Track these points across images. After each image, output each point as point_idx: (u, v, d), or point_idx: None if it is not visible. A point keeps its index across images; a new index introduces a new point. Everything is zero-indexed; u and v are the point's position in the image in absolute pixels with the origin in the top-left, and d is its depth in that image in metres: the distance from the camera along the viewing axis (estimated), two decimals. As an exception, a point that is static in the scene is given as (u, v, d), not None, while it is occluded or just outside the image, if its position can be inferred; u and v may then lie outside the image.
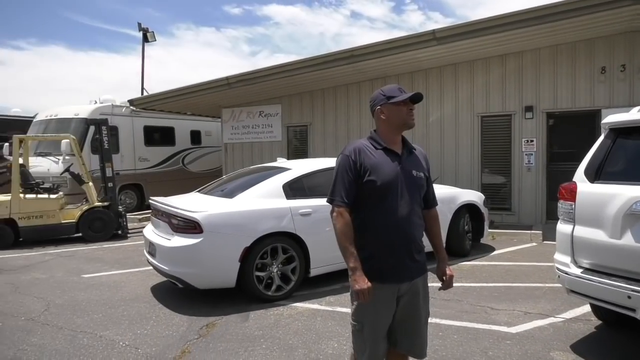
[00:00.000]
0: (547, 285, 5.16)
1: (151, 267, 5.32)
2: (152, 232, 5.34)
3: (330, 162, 5.90)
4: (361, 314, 2.27)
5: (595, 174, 3.47)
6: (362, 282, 2.14)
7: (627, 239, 3.12)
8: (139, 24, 18.25)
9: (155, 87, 66.16)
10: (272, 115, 11.64)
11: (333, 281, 5.34)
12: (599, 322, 4.04)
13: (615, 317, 3.82)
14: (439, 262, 2.44)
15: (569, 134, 8.88)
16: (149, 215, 6.30)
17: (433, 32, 8.26)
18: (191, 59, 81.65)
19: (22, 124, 13.14)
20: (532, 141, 8.97)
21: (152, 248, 5.11)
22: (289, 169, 5.63)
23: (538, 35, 8.31)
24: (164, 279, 5.25)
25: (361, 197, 2.26)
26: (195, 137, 14.57)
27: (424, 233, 2.41)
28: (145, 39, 18.23)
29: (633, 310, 3.01)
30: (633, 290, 2.99)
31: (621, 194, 3.19)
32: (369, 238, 2.25)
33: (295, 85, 10.69)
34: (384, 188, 2.22)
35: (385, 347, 2.33)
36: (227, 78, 10.26)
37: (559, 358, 3.42)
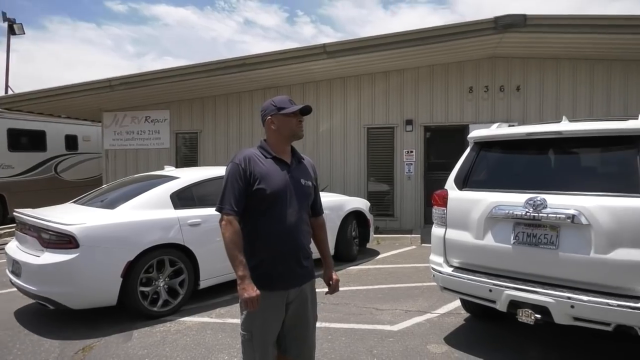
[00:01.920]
0: (424, 284, 5.61)
1: (15, 289, 4.73)
2: (16, 249, 4.75)
3: (220, 171, 5.79)
4: (250, 323, 2.27)
5: (463, 182, 3.88)
6: (251, 290, 2.15)
7: (488, 239, 3.54)
8: (4, 14, 16.18)
9: (22, 85, 59.04)
10: (159, 121, 11.10)
11: (224, 292, 5.24)
12: (468, 314, 4.50)
13: (481, 310, 4.28)
14: (325, 268, 2.53)
15: (443, 145, 9.81)
16: (13, 229, 5.61)
17: (324, 45, 8.59)
18: (67, 56, 74.53)
19: None
20: (411, 152, 9.73)
21: (16, 267, 4.55)
22: (176, 178, 5.42)
23: (417, 56, 9.08)
24: (31, 301, 4.70)
25: (250, 206, 2.27)
26: (71, 142, 13.30)
27: (312, 240, 2.49)
28: (12, 32, 16.26)
29: (494, 302, 3.42)
30: (493, 285, 3.39)
31: (483, 199, 3.61)
32: (258, 246, 2.27)
33: (186, 90, 10.34)
34: (273, 196, 2.26)
35: (274, 354, 2.35)
36: (109, 80, 9.56)
37: (435, 350, 3.74)
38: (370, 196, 9.65)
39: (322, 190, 6.23)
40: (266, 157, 2.33)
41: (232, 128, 10.82)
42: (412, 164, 9.72)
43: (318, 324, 2.50)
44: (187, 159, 11.11)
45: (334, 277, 2.51)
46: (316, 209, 2.55)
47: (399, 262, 6.95)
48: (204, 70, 9.17)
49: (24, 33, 16.39)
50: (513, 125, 4.19)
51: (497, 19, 7.74)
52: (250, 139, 10.51)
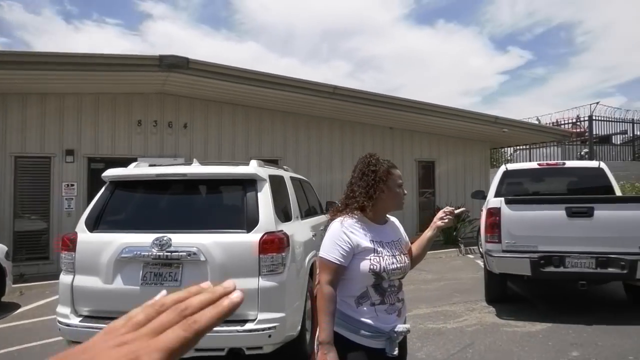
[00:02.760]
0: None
1: None
2: None
3: None
4: None
5: (95, 224, 3.69)
6: None
7: (117, 283, 3.44)
8: None
9: None
10: None
11: None
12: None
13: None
14: None
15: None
16: None
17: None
18: None
19: None
20: (72, 185, 8.82)
21: None
22: None
23: (78, 81, 8.39)
24: None
25: None
26: None
27: None
28: None
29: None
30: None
31: (113, 241, 3.50)
32: None
33: None
34: None
35: None
36: None
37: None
38: (19, 237, 8.17)
39: None
40: None
41: None
42: (72, 198, 8.80)
43: None
44: None
45: None
46: None
47: (46, 314, 6.04)
48: None
49: None
50: (156, 165, 4.30)
51: (161, 58, 7.98)
52: None
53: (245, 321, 3.37)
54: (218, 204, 3.81)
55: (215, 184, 3.74)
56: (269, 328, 3.36)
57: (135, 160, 9.10)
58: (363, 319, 1.90)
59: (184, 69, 8.18)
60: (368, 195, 2.00)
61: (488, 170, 13.24)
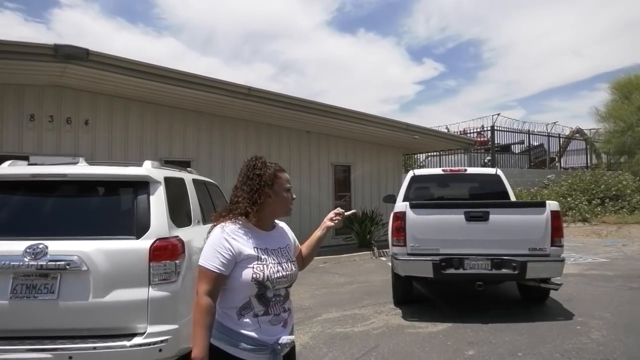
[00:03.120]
0: None
1: None
2: None
3: None
4: None
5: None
6: None
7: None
8: None
9: None
10: None
11: None
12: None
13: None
14: None
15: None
16: None
17: None
18: None
19: None
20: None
21: None
22: None
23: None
24: None
25: None
26: None
27: None
28: None
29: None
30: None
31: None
32: None
33: None
34: None
35: None
36: None
37: None
38: None
39: None
40: None
41: None
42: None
43: None
44: None
45: None
46: None
47: None
48: None
49: None
50: (37, 164, 3.85)
51: (57, 47, 7.27)
52: None
53: (133, 335, 3.10)
54: (104, 207, 3.47)
55: (101, 186, 3.41)
56: (161, 342, 3.12)
57: (27, 158, 8.25)
58: (245, 332, 1.81)
59: (84, 60, 7.52)
60: (252, 201, 1.91)
61: (401, 175, 13.76)
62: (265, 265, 1.85)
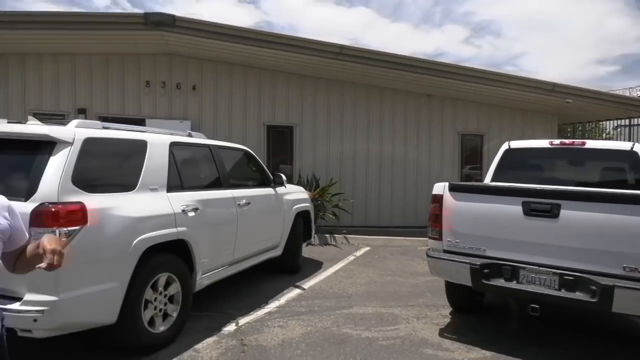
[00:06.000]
0: None
1: None
2: None
3: None
4: None
5: None
6: None
7: None
8: None
9: None
10: None
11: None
12: None
13: None
14: None
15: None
16: None
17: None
18: None
19: None
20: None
21: None
22: None
23: (86, 41, 8.49)
24: None
25: None
26: None
27: None
28: None
29: None
30: None
31: None
32: None
33: None
34: None
35: None
36: None
37: None
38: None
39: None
40: None
41: None
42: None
43: None
44: None
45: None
46: None
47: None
48: None
49: None
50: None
51: (146, 15, 7.68)
52: None
53: (14, 299, 2.94)
54: (9, 167, 3.31)
55: (10, 145, 3.26)
56: (36, 311, 2.89)
57: (143, 121, 9.15)
58: None
59: (171, 26, 7.81)
60: None
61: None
62: None
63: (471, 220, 4.12)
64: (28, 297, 2.92)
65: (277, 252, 5.79)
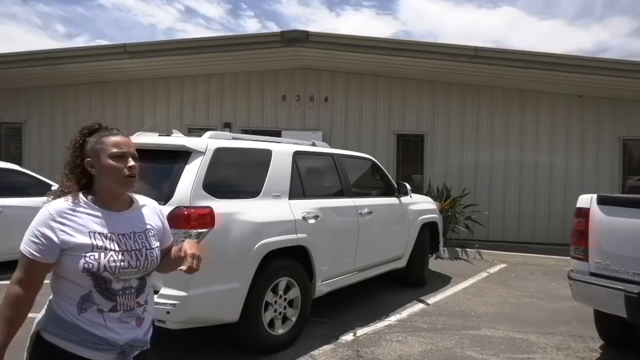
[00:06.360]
0: None
1: None
2: None
3: None
4: None
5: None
6: None
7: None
8: None
9: None
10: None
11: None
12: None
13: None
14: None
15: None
16: None
17: (124, 45, 8.72)
18: (-15, 32, 69.44)
19: None
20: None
21: None
22: None
23: (232, 62, 9.42)
24: None
25: None
26: None
27: None
28: None
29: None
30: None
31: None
32: None
33: (8, 79, 10.06)
34: None
35: None
36: None
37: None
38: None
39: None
40: None
41: (58, 121, 10.66)
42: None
43: None
44: (12, 148, 10.85)
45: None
46: None
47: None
48: (6, 61, 9.02)
49: None
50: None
51: (282, 33, 8.21)
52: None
53: (156, 291, 3.32)
54: (150, 175, 3.72)
55: (151, 156, 3.66)
56: (169, 304, 3.22)
57: (280, 133, 9.77)
58: (87, 328, 1.54)
59: (305, 42, 8.20)
60: (72, 176, 1.63)
61: None
62: (102, 254, 1.54)
63: (627, 238, 3.49)
64: (163, 291, 3.26)
65: (401, 264, 5.62)
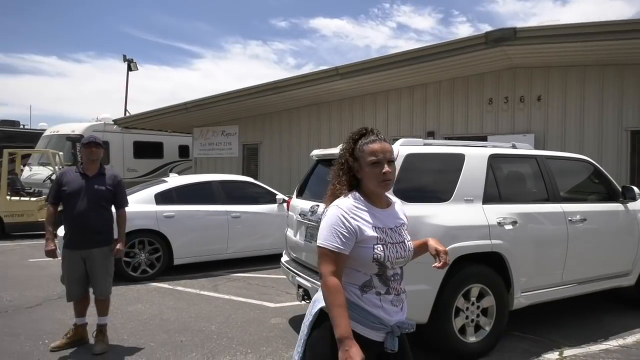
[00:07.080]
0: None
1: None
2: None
3: (200, 178, 7.55)
4: (63, 270, 3.91)
5: (299, 192, 4.86)
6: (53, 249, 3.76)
7: (300, 237, 4.48)
8: (124, 56, 20.15)
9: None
10: (231, 134, 13.43)
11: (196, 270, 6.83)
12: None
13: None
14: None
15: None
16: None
17: (336, 69, 9.70)
18: (238, 70, 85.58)
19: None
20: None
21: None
22: (165, 182, 7.29)
23: (435, 71, 9.51)
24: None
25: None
26: (184, 151, 16.58)
27: None
28: (129, 69, 20.22)
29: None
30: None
31: (297, 206, 4.58)
32: (66, 223, 3.88)
33: (246, 108, 12.38)
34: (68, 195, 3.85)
35: (79, 290, 3.92)
36: (185, 103, 12.16)
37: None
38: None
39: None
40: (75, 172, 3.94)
41: (285, 140, 12.49)
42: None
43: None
44: (252, 165, 13.20)
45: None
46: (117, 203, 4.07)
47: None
48: (246, 94, 11.06)
49: (138, 69, 20.22)
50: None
51: (487, 34, 7.89)
52: (299, 150, 12.05)
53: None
54: None
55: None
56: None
57: (485, 138, 9.35)
58: (368, 308, 1.80)
59: (512, 40, 7.71)
60: (342, 179, 1.91)
61: None
62: (384, 245, 1.81)
63: None
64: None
65: (629, 281, 4.74)
